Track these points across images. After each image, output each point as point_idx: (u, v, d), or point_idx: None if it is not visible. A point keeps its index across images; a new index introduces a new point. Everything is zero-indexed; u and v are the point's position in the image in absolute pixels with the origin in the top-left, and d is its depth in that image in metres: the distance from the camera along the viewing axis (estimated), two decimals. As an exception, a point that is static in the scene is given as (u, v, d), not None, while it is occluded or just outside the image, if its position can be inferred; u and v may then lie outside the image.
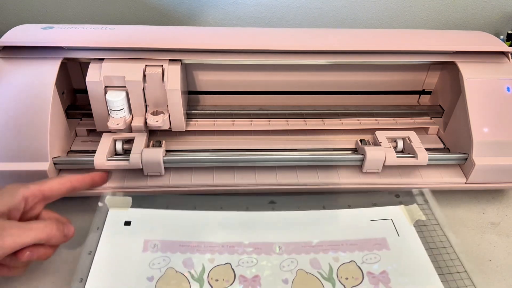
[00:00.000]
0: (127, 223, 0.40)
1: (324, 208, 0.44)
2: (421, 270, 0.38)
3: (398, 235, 0.41)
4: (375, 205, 0.44)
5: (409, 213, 0.43)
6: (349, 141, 0.52)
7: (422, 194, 0.46)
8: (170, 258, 0.37)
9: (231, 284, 0.36)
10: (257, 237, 0.40)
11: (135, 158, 0.44)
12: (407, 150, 0.49)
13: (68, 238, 0.36)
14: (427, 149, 0.47)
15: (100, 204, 0.41)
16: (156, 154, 0.44)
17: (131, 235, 0.39)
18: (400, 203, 0.44)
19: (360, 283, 0.37)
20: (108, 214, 0.40)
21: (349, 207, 0.44)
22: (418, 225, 0.42)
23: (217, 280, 0.36)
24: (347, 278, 0.37)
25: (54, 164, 0.44)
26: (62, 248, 0.40)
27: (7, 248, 0.31)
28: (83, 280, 0.35)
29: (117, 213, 0.41)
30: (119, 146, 0.46)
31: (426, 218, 0.43)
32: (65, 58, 0.46)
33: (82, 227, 0.40)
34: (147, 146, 0.46)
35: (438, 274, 0.37)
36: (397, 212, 0.43)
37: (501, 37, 0.71)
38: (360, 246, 0.40)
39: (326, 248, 0.39)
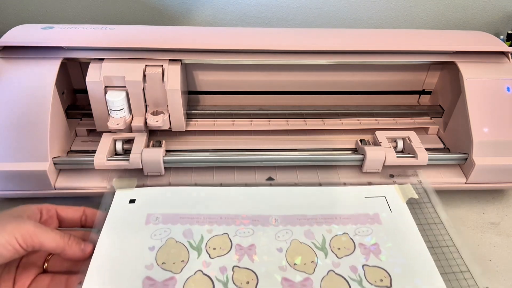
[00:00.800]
0: (132, 201, 0.42)
1: (320, 185, 0.45)
2: (411, 244, 0.39)
3: (391, 211, 0.42)
4: (369, 183, 0.46)
5: (402, 191, 0.45)
6: (349, 141, 0.52)
7: (416, 174, 0.47)
8: (171, 230, 0.39)
9: (227, 252, 0.38)
10: (254, 210, 0.42)
11: (135, 158, 0.44)
12: (407, 150, 0.49)
13: (86, 254, 0.36)
14: (427, 149, 0.47)
15: (107, 187, 0.43)
16: (156, 154, 0.44)
17: (135, 211, 0.41)
18: (394, 182, 0.46)
19: (351, 253, 0.38)
20: (115, 195, 0.42)
21: (345, 185, 0.46)
22: (411, 203, 0.43)
23: (214, 249, 0.38)
24: (339, 249, 0.39)
25: (54, 164, 0.44)
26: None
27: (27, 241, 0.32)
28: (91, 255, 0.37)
29: (123, 193, 0.42)
30: (119, 146, 0.46)
31: (418, 196, 0.44)
32: (65, 58, 0.46)
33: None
34: (147, 146, 0.46)
35: (428, 248, 0.39)
36: (390, 190, 0.45)
37: (501, 37, 0.71)
38: (353, 220, 0.41)
39: (320, 221, 0.41)
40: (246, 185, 0.44)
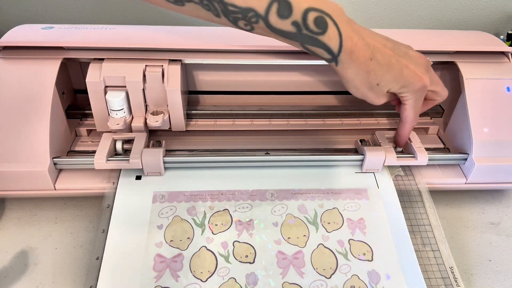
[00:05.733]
0: (138, 177, 0.45)
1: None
2: (393, 221, 0.43)
3: (378, 187, 0.45)
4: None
5: (390, 168, 0.48)
6: (349, 141, 0.52)
7: None
8: (176, 207, 0.42)
9: (228, 228, 0.41)
10: (252, 185, 0.45)
11: (135, 158, 0.44)
12: (407, 150, 0.49)
13: None
14: (427, 149, 0.47)
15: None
16: (156, 154, 0.44)
17: (142, 188, 0.44)
18: None
19: (340, 227, 0.42)
20: (121, 171, 0.45)
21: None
22: (397, 180, 0.47)
23: (216, 225, 0.41)
24: (329, 223, 0.42)
25: (54, 164, 0.44)
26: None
27: None
28: (105, 231, 0.40)
29: (129, 169, 0.45)
30: (119, 146, 0.46)
31: (404, 173, 0.47)
32: (65, 58, 0.46)
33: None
34: (147, 146, 0.46)
35: (407, 225, 0.42)
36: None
37: (501, 37, 0.71)
38: (343, 195, 0.44)
39: (313, 195, 0.44)
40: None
